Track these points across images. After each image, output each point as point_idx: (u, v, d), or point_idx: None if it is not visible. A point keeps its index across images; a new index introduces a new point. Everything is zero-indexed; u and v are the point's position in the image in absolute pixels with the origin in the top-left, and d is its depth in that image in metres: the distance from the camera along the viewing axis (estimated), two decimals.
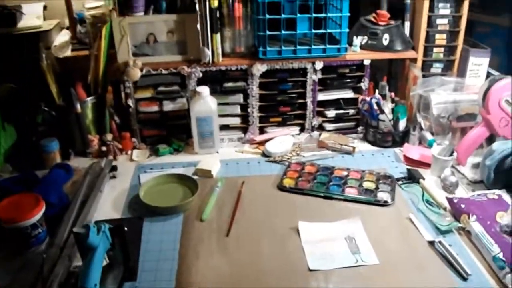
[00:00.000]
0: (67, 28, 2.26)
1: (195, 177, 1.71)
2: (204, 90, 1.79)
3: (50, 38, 2.14)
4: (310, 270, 1.33)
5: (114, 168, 1.75)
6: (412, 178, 1.71)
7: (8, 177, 1.63)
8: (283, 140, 1.89)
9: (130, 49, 1.81)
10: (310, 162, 1.79)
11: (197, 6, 1.74)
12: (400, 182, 1.70)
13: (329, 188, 1.65)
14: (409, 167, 1.77)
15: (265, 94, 1.89)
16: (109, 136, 1.86)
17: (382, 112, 1.86)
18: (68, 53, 2.10)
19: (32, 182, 1.60)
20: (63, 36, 2.23)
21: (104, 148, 1.85)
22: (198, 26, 1.76)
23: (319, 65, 1.85)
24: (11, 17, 2.09)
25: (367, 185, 1.67)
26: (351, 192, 1.63)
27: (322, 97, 1.93)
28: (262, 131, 1.96)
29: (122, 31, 1.78)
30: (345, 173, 1.73)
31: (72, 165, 1.74)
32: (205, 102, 1.79)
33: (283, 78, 1.88)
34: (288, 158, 1.81)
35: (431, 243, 1.40)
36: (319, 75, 1.87)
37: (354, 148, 1.86)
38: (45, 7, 2.29)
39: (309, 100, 1.92)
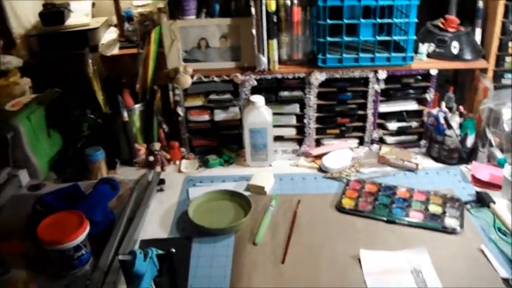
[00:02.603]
0: (115, 26, 2.13)
1: (247, 193, 1.52)
2: (259, 100, 1.58)
3: (98, 36, 2.02)
4: None
5: (162, 182, 1.56)
6: (482, 201, 1.46)
7: (51, 191, 1.45)
8: (341, 154, 1.66)
9: (180, 54, 1.62)
10: (370, 180, 1.57)
11: (252, 9, 1.53)
12: (468, 206, 1.46)
13: (392, 211, 1.42)
14: (478, 189, 1.52)
15: (323, 104, 1.67)
16: (157, 145, 1.68)
17: (450, 127, 1.61)
18: (116, 51, 1.97)
19: (76, 196, 1.43)
20: (111, 34, 2.09)
21: (151, 158, 1.67)
22: (254, 31, 1.55)
23: (382, 74, 1.61)
24: (59, 15, 1.98)
25: (433, 208, 1.44)
26: (416, 216, 1.40)
27: (383, 109, 1.69)
28: (318, 143, 1.74)
29: (173, 35, 1.59)
30: (409, 194, 1.50)
31: (118, 178, 1.56)
32: (260, 113, 1.58)
33: (343, 88, 1.65)
34: (347, 175, 1.58)
35: (506, 281, 1.17)
36: (382, 85, 1.64)
37: (417, 165, 1.63)
38: (93, 5, 2.17)
39: (370, 112, 1.68)
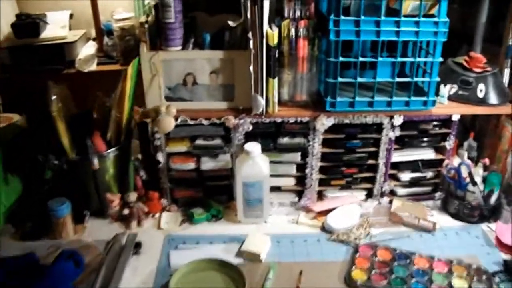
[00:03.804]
0: (94, 40, 1.84)
1: (239, 260, 1.22)
2: (254, 149, 1.26)
3: (75, 50, 1.76)
4: None
5: (138, 245, 1.24)
6: (510, 272, 1.22)
7: (2, 263, 1.13)
8: (347, 210, 1.36)
9: (162, 92, 1.30)
10: (383, 245, 1.27)
11: (250, 42, 1.21)
12: (497, 279, 1.18)
13: None
14: (505, 257, 1.26)
15: (328, 152, 1.36)
16: (132, 196, 1.36)
17: (474, 183, 1.36)
18: (94, 67, 1.71)
19: (33, 270, 1.12)
20: (89, 48, 1.81)
21: (126, 211, 1.34)
22: (251, 67, 1.24)
23: (398, 120, 1.32)
24: (33, 27, 1.72)
25: (458, 284, 1.16)
26: None
27: (397, 158, 1.39)
28: (320, 195, 1.43)
29: (154, 69, 1.26)
30: (428, 263, 1.22)
31: (85, 242, 1.24)
32: (255, 164, 1.27)
33: (352, 134, 1.35)
34: (355, 238, 1.30)
35: None
36: (397, 132, 1.35)
37: (434, 224, 1.34)
38: (71, 16, 1.90)
39: (381, 162, 1.38)
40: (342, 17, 1.21)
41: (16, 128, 1.42)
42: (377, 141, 1.36)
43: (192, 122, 1.30)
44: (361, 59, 1.25)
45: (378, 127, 1.34)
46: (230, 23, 1.23)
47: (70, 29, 1.87)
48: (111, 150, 1.34)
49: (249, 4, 1.20)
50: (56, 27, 1.82)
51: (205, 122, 1.30)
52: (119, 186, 1.39)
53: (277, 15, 1.31)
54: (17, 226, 1.35)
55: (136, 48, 1.46)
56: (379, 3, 1.24)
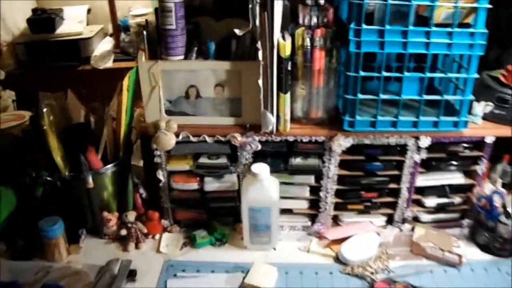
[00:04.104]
0: (111, 35, 1.77)
1: None
2: (262, 171, 1.12)
3: (91, 46, 1.72)
4: None
5: (132, 273, 1.11)
6: None
7: None
8: (364, 239, 1.20)
9: (162, 105, 1.16)
10: (403, 282, 1.11)
11: (260, 53, 1.07)
12: None
13: None
14: None
15: (345, 175, 1.21)
16: (131, 216, 1.23)
17: (508, 215, 1.19)
18: (110, 64, 1.65)
19: None
20: (106, 44, 1.74)
21: (123, 232, 1.22)
22: (260, 81, 1.09)
23: (425, 141, 1.15)
24: (49, 22, 1.70)
25: None
26: None
27: (422, 182, 1.23)
28: (335, 219, 1.28)
29: (153, 80, 1.12)
30: None
31: (75, 268, 1.11)
32: (263, 188, 1.12)
33: (373, 156, 1.19)
34: (372, 272, 1.14)
35: None
36: (423, 155, 1.18)
37: (460, 257, 1.17)
38: (89, 11, 1.87)
39: (404, 186, 1.22)
40: (364, 26, 1.05)
41: (7, 137, 1.30)
42: (400, 163, 1.20)
43: (195, 140, 1.17)
44: (384, 73, 1.10)
45: (402, 149, 1.18)
46: (237, 31, 1.08)
47: (87, 24, 1.85)
48: (108, 166, 1.21)
49: (258, 9, 1.06)
50: (72, 22, 1.81)
51: (209, 139, 1.16)
52: (117, 204, 1.27)
53: (290, 21, 1.16)
54: (8, 243, 1.25)
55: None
56: (407, 10, 1.08)
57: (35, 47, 1.72)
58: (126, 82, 1.14)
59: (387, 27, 1.05)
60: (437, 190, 1.25)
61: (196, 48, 1.13)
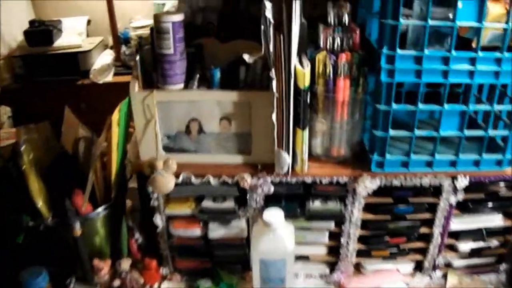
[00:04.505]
0: (111, 48, 1.66)
1: None
2: (276, 219, 0.93)
3: (90, 59, 1.62)
4: None
5: None
6: None
7: None
8: None
9: (159, 141, 0.97)
10: None
11: (273, 83, 0.89)
12: None
13: None
14: None
15: (370, 220, 1.02)
16: (125, 264, 1.05)
17: None
18: (110, 78, 1.54)
19: None
20: (106, 57, 1.63)
21: (116, 283, 1.03)
22: (274, 116, 0.91)
23: (463, 181, 0.97)
24: (46, 34, 1.61)
25: None
26: None
27: (457, 226, 1.04)
28: (358, 267, 1.09)
29: (148, 113, 0.94)
30: None
31: None
32: (276, 238, 0.94)
33: (403, 198, 1.01)
34: None
35: None
36: (460, 196, 1.00)
37: None
38: (88, 22, 1.77)
39: (437, 230, 1.04)
40: (400, 52, 0.88)
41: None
42: (433, 206, 1.02)
43: (197, 182, 0.98)
44: (421, 106, 0.93)
45: (436, 190, 1.00)
46: (246, 57, 0.89)
47: (87, 36, 1.74)
48: (98, 210, 1.03)
49: (271, 32, 0.89)
50: (71, 34, 1.72)
51: (213, 180, 0.97)
52: (110, 249, 1.09)
53: (308, 43, 0.98)
54: None
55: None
56: (448, 31, 0.91)
57: (33, 61, 1.63)
58: (116, 116, 0.96)
59: (427, 52, 0.88)
60: (473, 233, 1.06)
61: (198, 76, 0.94)
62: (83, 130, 1.15)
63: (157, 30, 0.91)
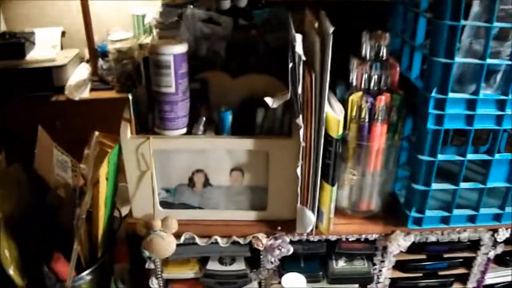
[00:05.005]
0: (87, 61, 1.52)
1: None
2: (295, 285, 0.80)
3: (65, 74, 1.45)
4: None
5: None
6: None
7: None
8: None
9: (157, 197, 0.79)
10: None
11: (300, 132, 0.72)
12: None
13: None
14: None
15: (400, 278, 0.88)
16: None
17: None
18: (86, 94, 1.38)
19: None
20: (82, 71, 1.46)
21: None
22: (299, 169, 0.74)
23: (504, 235, 0.85)
24: (18, 47, 1.46)
25: None
26: None
27: (492, 279, 0.92)
28: None
29: (143, 164, 0.75)
30: None
31: None
32: None
33: (437, 253, 0.87)
34: None
35: None
36: (500, 250, 0.88)
37: None
38: (63, 34, 1.56)
39: (471, 286, 0.92)
40: (451, 95, 0.73)
41: None
42: (468, 260, 0.89)
43: (202, 243, 0.81)
44: (469, 156, 0.79)
45: (474, 244, 0.87)
46: (269, 101, 0.71)
47: (61, 48, 1.54)
48: (82, 275, 0.83)
49: (301, 71, 0.72)
50: (45, 47, 1.51)
51: (221, 241, 0.80)
52: None
53: (339, 78, 0.82)
54: None
55: (134, 74, 1.22)
56: (496, 68, 0.76)
57: (3, 76, 1.44)
58: (104, 170, 0.76)
59: (482, 95, 0.74)
60: (507, 287, 0.98)
61: (204, 119, 0.76)
62: (58, 151, 0.97)
63: (155, 63, 0.72)
